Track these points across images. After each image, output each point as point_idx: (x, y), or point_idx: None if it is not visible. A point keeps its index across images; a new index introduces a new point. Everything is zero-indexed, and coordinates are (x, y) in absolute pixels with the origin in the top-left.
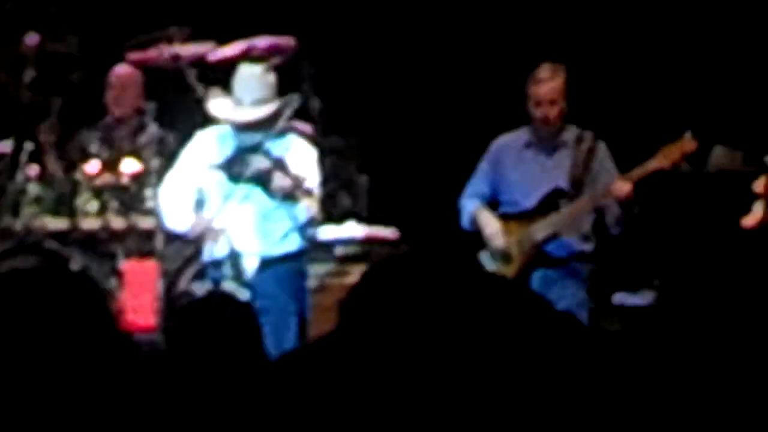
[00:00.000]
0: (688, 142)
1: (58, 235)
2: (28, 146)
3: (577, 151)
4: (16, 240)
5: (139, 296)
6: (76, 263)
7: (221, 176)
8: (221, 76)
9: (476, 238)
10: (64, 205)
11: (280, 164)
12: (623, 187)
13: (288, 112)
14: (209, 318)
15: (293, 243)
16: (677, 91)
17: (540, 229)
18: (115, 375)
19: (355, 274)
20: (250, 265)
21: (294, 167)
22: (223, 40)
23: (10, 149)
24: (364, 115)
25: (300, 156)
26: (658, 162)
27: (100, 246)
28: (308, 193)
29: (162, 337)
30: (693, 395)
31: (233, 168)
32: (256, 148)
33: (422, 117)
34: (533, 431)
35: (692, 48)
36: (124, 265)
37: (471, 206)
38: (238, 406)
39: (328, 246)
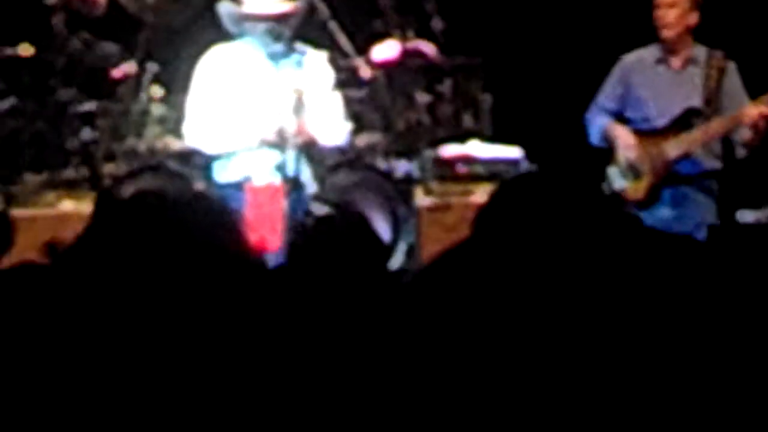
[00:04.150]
0: None
1: (182, 156)
2: (152, 67)
3: (708, 70)
4: (140, 161)
5: (264, 217)
6: (198, 184)
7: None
8: None
9: (602, 156)
10: None
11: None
12: (760, 111)
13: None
14: (330, 237)
15: None
16: None
17: (673, 148)
18: (246, 293)
19: (478, 193)
20: None
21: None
22: None
23: (134, 70)
24: (487, 33)
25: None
26: None
27: None
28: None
29: (286, 257)
30: None
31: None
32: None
33: (546, 34)
34: (646, 341)
35: None
36: (249, 185)
37: (602, 121)
38: (368, 320)
39: (451, 164)
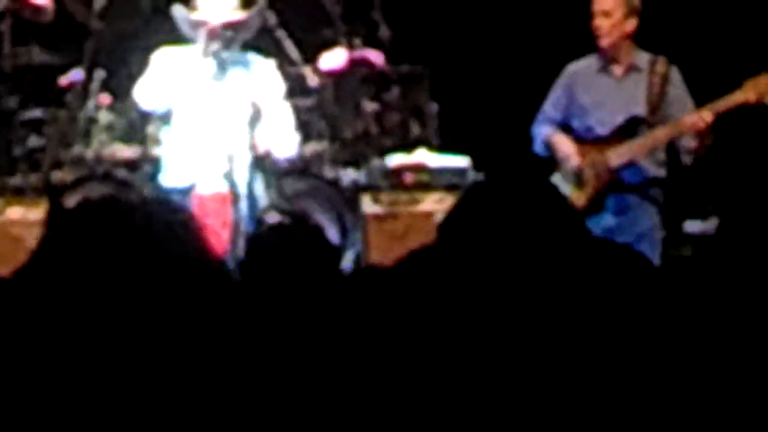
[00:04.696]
0: None
1: (129, 164)
2: (100, 74)
3: (651, 77)
4: (87, 168)
5: (210, 224)
6: (147, 191)
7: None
8: None
9: (547, 164)
10: (135, 132)
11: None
12: (705, 118)
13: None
14: (286, 245)
15: None
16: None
17: (617, 156)
18: (207, 296)
19: (425, 202)
20: None
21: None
22: None
23: (81, 77)
24: (433, 42)
25: (266, 79)
26: (744, 95)
27: None
28: None
29: (235, 264)
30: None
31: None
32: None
33: (492, 43)
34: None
35: None
36: (196, 192)
37: (545, 131)
38: (322, 321)
39: (398, 173)
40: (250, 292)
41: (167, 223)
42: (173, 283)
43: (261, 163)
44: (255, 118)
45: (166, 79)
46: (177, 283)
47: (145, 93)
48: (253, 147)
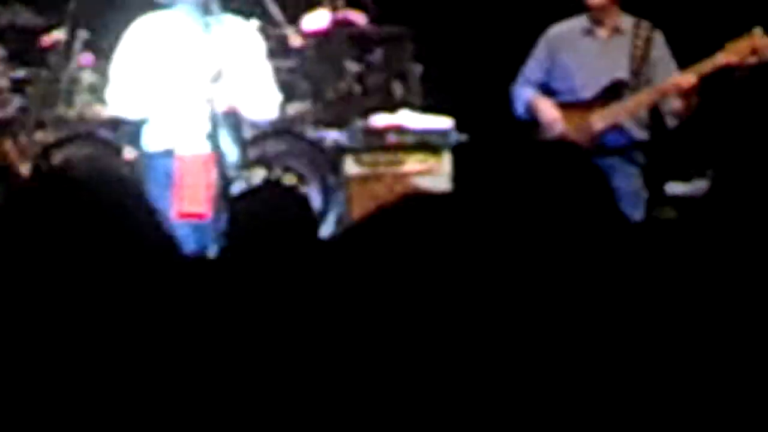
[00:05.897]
0: (759, 38)
1: (112, 124)
2: (82, 34)
3: (635, 40)
4: (69, 129)
5: (194, 186)
6: (129, 152)
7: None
8: None
9: (531, 125)
10: None
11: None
12: (689, 80)
13: None
14: (266, 205)
15: None
16: None
17: (600, 119)
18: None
19: (408, 163)
20: None
21: (244, 56)
22: None
23: (63, 37)
24: (417, 3)
25: (246, 39)
26: (726, 57)
27: None
28: None
29: (218, 225)
30: (745, 285)
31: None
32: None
33: (476, 4)
34: (583, 313)
35: None
36: (179, 154)
37: (527, 94)
38: (304, 291)
39: (381, 134)
40: (226, 265)
41: (117, 200)
42: (122, 247)
43: (229, 120)
44: (217, 75)
45: (138, 82)
46: (126, 246)
47: (118, 102)
48: (211, 102)
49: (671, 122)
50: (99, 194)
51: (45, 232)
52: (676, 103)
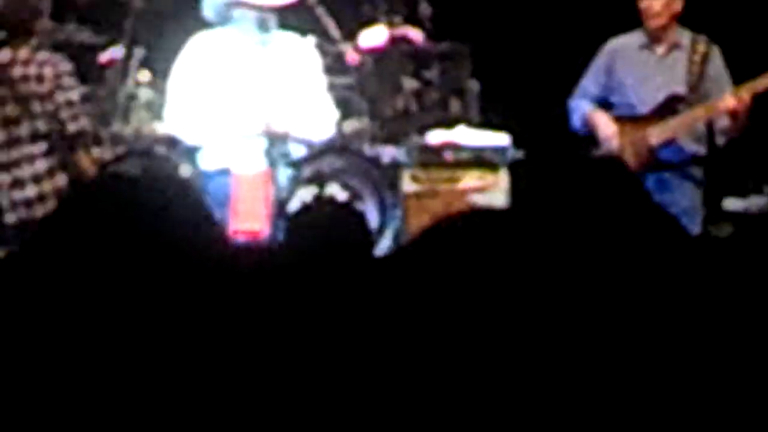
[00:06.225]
0: None
1: (168, 141)
2: (139, 52)
3: (692, 55)
4: (125, 146)
5: (250, 202)
6: (185, 170)
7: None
8: None
9: (587, 140)
10: None
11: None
12: (742, 98)
13: None
14: (322, 223)
15: None
16: None
17: (656, 134)
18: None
19: (464, 179)
20: None
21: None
22: None
23: (121, 55)
24: (474, 19)
25: (306, 61)
26: None
27: None
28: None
29: (274, 243)
30: None
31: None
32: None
33: (534, 20)
34: (633, 324)
35: None
36: (235, 172)
37: (584, 107)
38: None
39: (438, 151)
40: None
41: (190, 204)
42: (180, 260)
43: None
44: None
45: (197, 103)
46: (183, 259)
47: (178, 125)
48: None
49: (720, 140)
50: (161, 196)
51: (107, 230)
52: (725, 122)
